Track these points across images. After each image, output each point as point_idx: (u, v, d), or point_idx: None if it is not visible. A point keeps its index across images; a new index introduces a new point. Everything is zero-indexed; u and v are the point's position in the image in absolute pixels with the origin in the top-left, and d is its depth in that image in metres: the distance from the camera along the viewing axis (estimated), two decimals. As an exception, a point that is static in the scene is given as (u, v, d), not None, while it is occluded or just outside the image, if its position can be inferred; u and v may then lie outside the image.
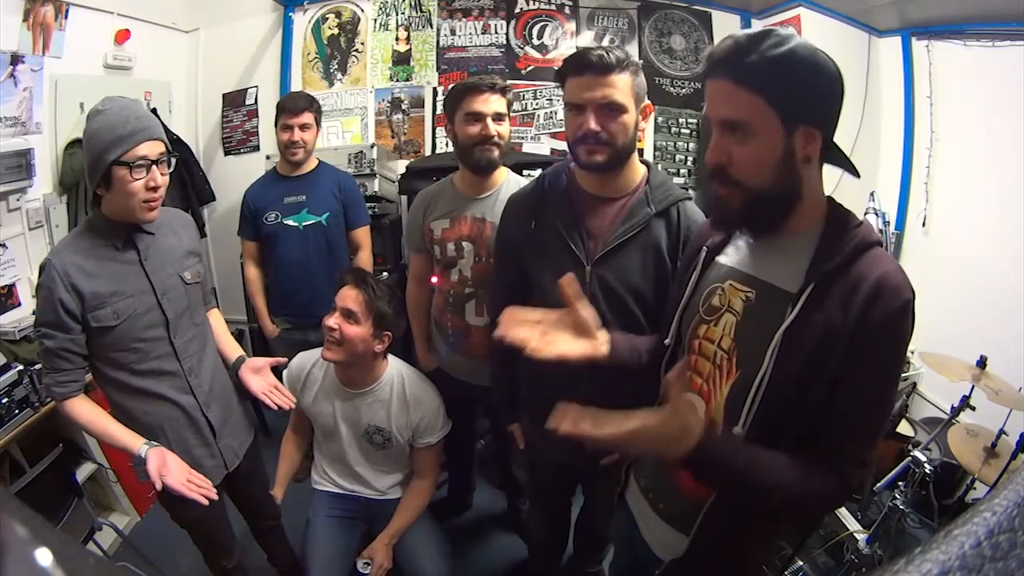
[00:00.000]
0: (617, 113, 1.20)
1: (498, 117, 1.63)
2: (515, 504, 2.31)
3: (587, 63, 1.19)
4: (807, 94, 0.80)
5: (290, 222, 2.22)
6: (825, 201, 0.91)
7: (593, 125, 1.19)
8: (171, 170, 1.32)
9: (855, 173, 0.91)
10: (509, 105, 1.69)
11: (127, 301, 1.30)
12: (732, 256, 1.00)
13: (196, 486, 1.31)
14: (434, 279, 1.84)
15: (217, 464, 1.50)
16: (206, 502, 1.31)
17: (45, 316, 1.25)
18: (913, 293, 0.81)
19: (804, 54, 0.79)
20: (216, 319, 1.65)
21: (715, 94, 0.84)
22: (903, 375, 2.51)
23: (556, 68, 1.32)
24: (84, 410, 1.32)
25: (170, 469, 1.30)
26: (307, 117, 2.18)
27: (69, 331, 1.26)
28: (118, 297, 1.29)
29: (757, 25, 3.03)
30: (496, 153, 1.64)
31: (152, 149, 1.25)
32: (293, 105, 2.16)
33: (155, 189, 1.27)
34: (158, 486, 1.28)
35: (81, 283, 1.24)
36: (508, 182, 1.71)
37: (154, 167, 1.25)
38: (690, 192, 1.36)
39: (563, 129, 3.00)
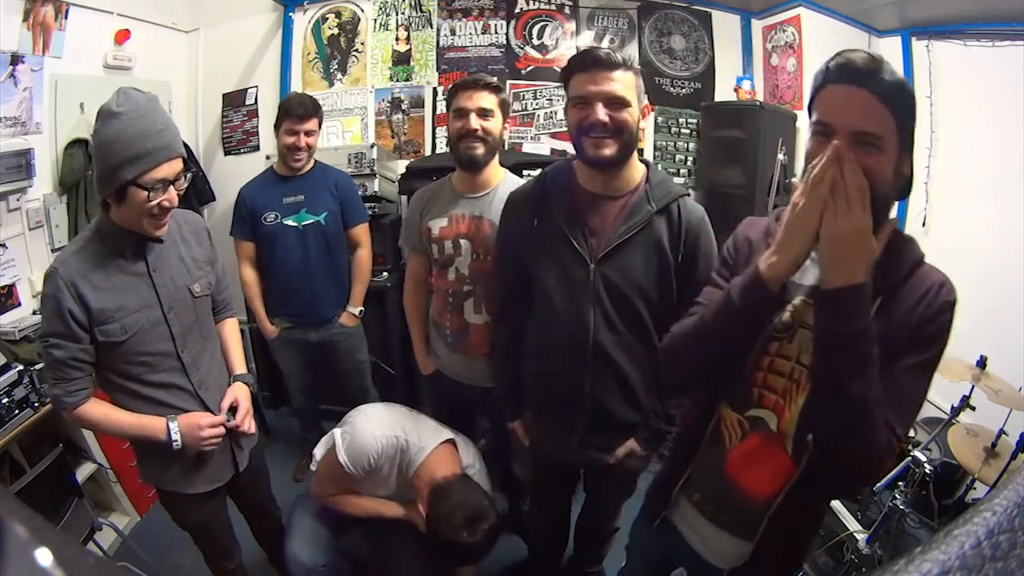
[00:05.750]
0: (623, 107, 1.23)
1: (483, 113, 1.62)
2: (515, 504, 2.31)
3: (595, 59, 1.24)
4: (912, 123, 0.85)
5: (289, 222, 2.22)
6: None
7: (602, 116, 1.22)
8: (187, 184, 1.26)
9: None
10: (504, 105, 1.67)
11: (134, 316, 1.26)
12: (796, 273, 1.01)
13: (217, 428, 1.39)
14: (432, 279, 1.84)
15: (226, 467, 1.50)
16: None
17: (53, 327, 1.20)
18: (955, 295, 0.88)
19: (911, 87, 0.85)
20: (231, 329, 1.62)
21: (852, 103, 0.82)
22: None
23: (560, 67, 1.35)
24: (96, 411, 1.30)
25: (202, 426, 1.35)
26: (312, 124, 2.18)
27: (79, 341, 1.21)
28: (125, 312, 1.25)
29: (757, 25, 3.02)
30: (480, 150, 1.63)
31: (171, 169, 1.18)
32: (299, 110, 2.14)
33: (168, 209, 1.22)
34: (210, 441, 1.36)
35: (88, 296, 1.20)
36: (505, 181, 1.71)
37: (171, 186, 1.19)
38: (688, 189, 1.38)
39: (563, 129, 3.02)
